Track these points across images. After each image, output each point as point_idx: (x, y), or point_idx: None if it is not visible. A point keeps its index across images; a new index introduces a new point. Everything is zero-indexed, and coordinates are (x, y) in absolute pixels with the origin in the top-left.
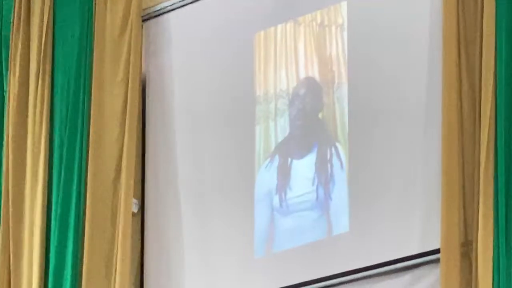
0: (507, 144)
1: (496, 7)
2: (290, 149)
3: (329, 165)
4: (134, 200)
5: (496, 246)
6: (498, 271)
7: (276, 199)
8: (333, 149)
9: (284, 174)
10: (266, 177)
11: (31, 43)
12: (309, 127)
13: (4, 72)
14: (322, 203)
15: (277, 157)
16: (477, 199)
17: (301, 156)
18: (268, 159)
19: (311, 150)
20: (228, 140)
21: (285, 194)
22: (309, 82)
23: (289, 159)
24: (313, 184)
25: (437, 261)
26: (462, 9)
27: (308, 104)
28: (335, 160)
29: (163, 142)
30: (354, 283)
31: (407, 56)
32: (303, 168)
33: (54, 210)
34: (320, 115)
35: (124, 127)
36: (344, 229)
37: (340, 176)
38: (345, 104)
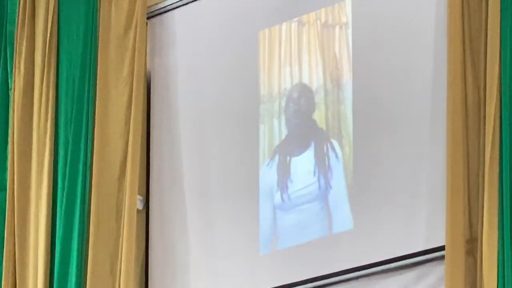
0: None
1: (501, 3)
2: (288, 148)
3: (326, 161)
4: (139, 197)
5: (501, 243)
6: (503, 268)
7: (277, 196)
8: (329, 145)
9: (284, 171)
10: (267, 176)
11: (36, 40)
12: (304, 127)
13: (9, 69)
14: (323, 196)
15: (277, 156)
16: (482, 196)
17: (299, 153)
18: (269, 159)
19: (308, 147)
20: (233, 138)
21: (287, 189)
22: (301, 86)
23: (288, 157)
24: (314, 175)
25: (442, 258)
26: (467, 6)
27: (303, 106)
28: (332, 156)
29: (168, 139)
30: (359, 280)
31: (411, 54)
32: (302, 164)
33: (59, 207)
34: (313, 116)
35: (129, 124)
36: (349, 227)
37: (339, 171)
38: (350, 102)
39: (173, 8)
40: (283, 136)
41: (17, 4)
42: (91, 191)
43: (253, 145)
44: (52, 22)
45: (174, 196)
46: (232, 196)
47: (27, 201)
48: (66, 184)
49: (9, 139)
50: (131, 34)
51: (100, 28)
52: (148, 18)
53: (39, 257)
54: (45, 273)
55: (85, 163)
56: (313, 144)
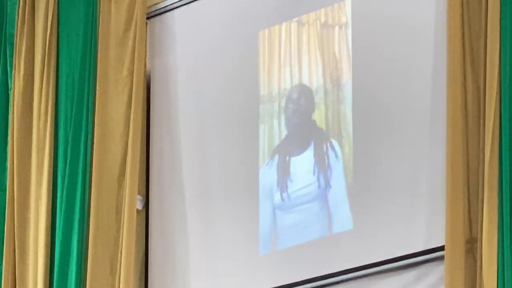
0: (511, 141)
1: (501, 3)
2: (288, 148)
3: (326, 161)
4: (139, 197)
5: (501, 243)
6: (503, 268)
7: (277, 196)
8: (328, 145)
9: (284, 171)
10: (267, 176)
11: (35, 40)
12: (304, 127)
13: (9, 69)
14: (323, 196)
15: (276, 156)
16: (481, 195)
17: (299, 152)
18: (268, 159)
19: (308, 147)
20: (233, 138)
21: (287, 189)
22: (301, 86)
23: (288, 157)
24: (314, 174)
25: (441, 258)
26: (467, 6)
27: (302, 106)
28: (332, 155)
29: (167, 139)
30: (359, 280)
31: (411, 54)
32: (302, 164)
33: (59, 207)
34: (313, 116)
35: (129, 124)
36: (349, 227)
37: (339, 171)
38: (350, 102)
39: (173, 8)
40: (283, 136)
41: (17, 4)
42: (91, 191)
43: (253, 145)
44: (52, 22)
45: (174, 196)
46: (232, 196)
47: (27, 201)
48: (66, 184)
49: (9, 139)
50: (131, 34)
51: (100, 28)
52: (148, 18)
53: (39, 257)
54: (45, 273)
55: (85, 163)
56: (312, 144)
